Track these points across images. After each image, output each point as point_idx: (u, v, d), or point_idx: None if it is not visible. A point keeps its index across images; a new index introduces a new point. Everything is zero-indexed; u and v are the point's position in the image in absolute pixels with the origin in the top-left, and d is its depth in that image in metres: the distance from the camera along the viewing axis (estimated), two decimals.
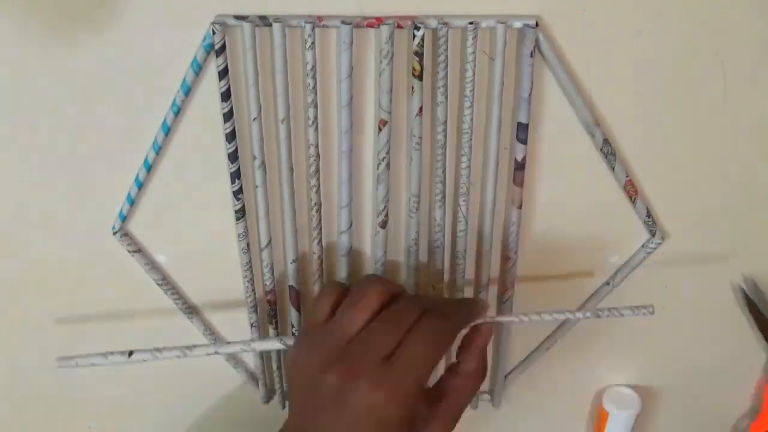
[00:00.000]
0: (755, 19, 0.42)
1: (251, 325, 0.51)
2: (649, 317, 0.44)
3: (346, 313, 0.41)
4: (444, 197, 0.46)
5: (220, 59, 0.40)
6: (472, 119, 0.43)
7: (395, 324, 0.39)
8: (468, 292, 0.50)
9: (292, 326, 0.51)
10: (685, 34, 0.43)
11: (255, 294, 0.49)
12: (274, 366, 0.53)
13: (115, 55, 0.41)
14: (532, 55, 0.41)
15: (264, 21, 0.40)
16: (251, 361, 0.54)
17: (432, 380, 0.42)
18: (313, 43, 0.40)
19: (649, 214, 0.48)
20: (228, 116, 0.42)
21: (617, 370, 0.57)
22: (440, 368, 0.44)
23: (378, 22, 0.40)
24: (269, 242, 0.47)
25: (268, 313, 0.50)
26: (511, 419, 0.59)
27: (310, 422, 0.40)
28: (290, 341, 0.44)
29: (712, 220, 0.50)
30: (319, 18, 0.40)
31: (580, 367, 0.56)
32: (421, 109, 0.43)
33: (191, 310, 0.51)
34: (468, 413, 0.57)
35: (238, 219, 0.46)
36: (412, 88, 0.42)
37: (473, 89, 0.42)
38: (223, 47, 0.40)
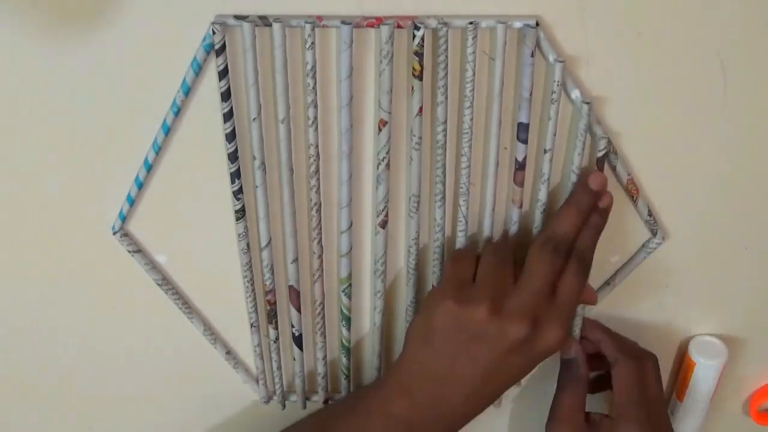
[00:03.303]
0: (755, 19, 0.42)
1: (251, 325, 0.51)
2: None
3: (495, 270, 0.45)
4: (444, 197, 0.46)
5: (220, 59, 0.40)
6: (472, 119, 0.43)
7: (547, 272, 0.44)
8: None
9: (292, 326, 0.51)
10: (685, 34, 0.42)
11: (255, 294, 0.49)
12: (274, 366, 0.53)
13: (115, 55, 0.41)
14: (532, 55, 0.41)
15: (264, 21, 0.40)
16: (251, 361, 0.54)
17: None
18: (313, 43, 0.40)
19: (650, 213, 0.48)
20: (228, 116, 0.42)
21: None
22: None
23: (378, 22, 0.40)
24: (269, 242, 0.47)
25: (268, 313, 0.50)
26: (512, 418, 0.59)
27: (453, 373, 0.44)
28: None
29: (712, 220, 0.50)
30: (319, 18, 0.40)
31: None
32: (421, 109, 0.43)
33: (191, 310, 0.51)
34: None
35: (238, 219, 0.46)
36: (412, 88, 0.42)
37: (473, 89, 0.42)
38: (223, 47, 0.40)
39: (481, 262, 0.46)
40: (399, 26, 0.40)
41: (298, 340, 0.51)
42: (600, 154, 0.45)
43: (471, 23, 0.40)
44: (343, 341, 0.52)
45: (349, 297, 0.50)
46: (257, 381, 0.54)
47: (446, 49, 0.41)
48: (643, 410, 0.49)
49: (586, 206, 0.45)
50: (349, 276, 0.49)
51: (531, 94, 0.43)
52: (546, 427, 0.51)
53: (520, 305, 0.42)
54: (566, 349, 0.52)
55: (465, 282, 0.45)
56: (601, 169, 0.45)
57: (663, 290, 0.53)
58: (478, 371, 0.43)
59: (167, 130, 0.43)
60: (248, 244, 0.47)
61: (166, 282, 0.49)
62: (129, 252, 0.48)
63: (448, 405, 0.44)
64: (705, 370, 0.54)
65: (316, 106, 0.42)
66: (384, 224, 0.46)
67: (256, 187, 0.45)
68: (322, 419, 0.50)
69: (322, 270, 0.48)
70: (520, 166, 0.45)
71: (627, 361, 0.50)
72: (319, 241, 0.47)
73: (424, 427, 0.45)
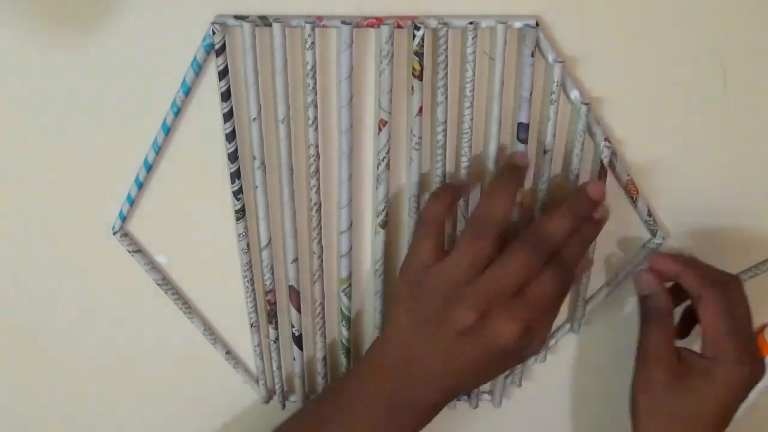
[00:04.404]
0: (755, 19, 0.42)
1: (251, 325, 0.51)
2: None
3: (462, 255, 0.42)
4: None
5: (220, 59, 0.40)
6: (472, 119, 0.43)
7: (518, 268, 0.41)
8: None
9: (292, 326, 0.51)
10: (685, 34, 0.42)
11: (255, 294, 0.49)
12: (274, 366, 0.53)
13: (115, 56, 0.41)
14: (532, 55, 0.41)
15: (264, 21, 0.40)
16: (251, 361, 0.54)
17: None
18: (313, 43, 0.40)
19: (650, 214, 0.48)
20: (228, 116, 0.42)
21: None
22: None
23: (378, 22, 0.40)
24: (269, 242, 0.47)
25: (268, 313, 0.50)
26: (512, 418, 0.59)
27: (416, 354, 0.43)
28: None
29: (712, 220, 0.50)
30: (319, 18, 0.40)
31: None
32: (421, 109, 0.43)
33: (191, 310, 0.51)
34: (468, 412, 0.57)
35: (238, 219, 0.46)
36: (412, 88, 0.42)
37: (473, 89, 0.42)
38: (223, 47, 0.40)
39: (461, 238, 0.43)
40: (399, 26, 0.40)
41: (298, 340, 0.51)
42: (604, 161, 0.45)
43: (471, 23, 0.40)
44: (343, 341, 0.52)
45: (349, 297, 0.50)
46: (257, 381, 0.54)
47: (446, 49, 0.41)
48: (740, 347, 0.44)
49: (581, 213, 0.43)
50: (349, 276, 0.49)
51: (531, 94, 0.43)
52: (635, 370, 0.47)
53: (472, 293, 0.41)
54: (641, 285, 0.48)
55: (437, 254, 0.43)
56: (602, 177, 0.45)
57: None
58: (438, 354, 0.42)
59: (167, 130, 0.43)
60: (248, 244, 0.47)
61: (166, 282, 0.49)
62: (129, 252, 0.48)
63: (418, 385, 0.43)
64: None
65: (316, 106, 0.42)
66: (384, 224, 0.47)
67: (256, 187, 0.45)
68: (305, 417, 0.49)
69: (322, 270, 0.48)
70: None
71: (712, 294, 0.45)
72: (319, 241, 0.47)
73: (403, 407, 0.44)
